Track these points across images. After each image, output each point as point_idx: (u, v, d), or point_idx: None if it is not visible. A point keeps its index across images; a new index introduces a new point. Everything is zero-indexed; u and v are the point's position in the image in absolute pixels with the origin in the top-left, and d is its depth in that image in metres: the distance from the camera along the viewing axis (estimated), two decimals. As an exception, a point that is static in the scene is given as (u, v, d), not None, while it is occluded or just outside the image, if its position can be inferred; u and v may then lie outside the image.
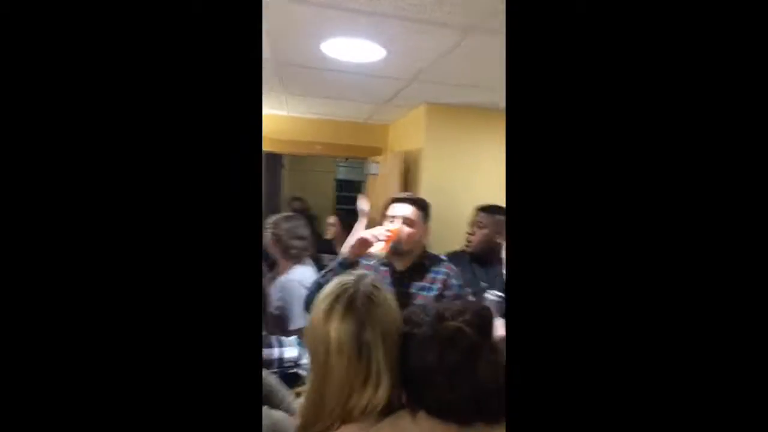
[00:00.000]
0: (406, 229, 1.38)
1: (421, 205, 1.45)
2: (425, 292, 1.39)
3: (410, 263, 1.43)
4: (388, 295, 0.77)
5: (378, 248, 1.30)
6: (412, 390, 0.70)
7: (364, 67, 2.05)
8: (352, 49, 1.85)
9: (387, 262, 1.42)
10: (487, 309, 0.72)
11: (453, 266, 1.48)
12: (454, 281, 1.42)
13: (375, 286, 0.77)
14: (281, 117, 3.28)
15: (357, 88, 2.45)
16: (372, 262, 1.41)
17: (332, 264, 1.36)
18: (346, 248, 1.34)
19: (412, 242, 1.40)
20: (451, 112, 2.67)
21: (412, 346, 0.70)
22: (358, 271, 0.82)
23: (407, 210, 1.41)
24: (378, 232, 1.31)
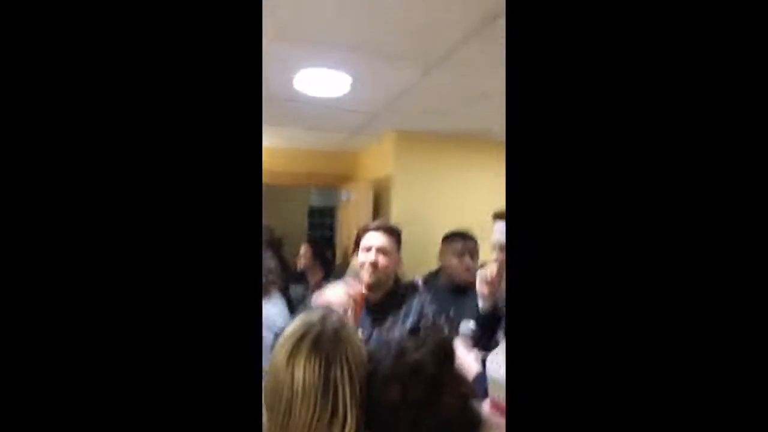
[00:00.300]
0: (382, 260, 1.37)
1: (394, 233, 1.45)
2: (401, 323, 1.37)
3: (384, 293, 1.41)
4: (354, 331, 0.75)
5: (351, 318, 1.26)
6: (377, 428, 0.68)
7: (333, 100, 2.09)
8: (321, 82, 1.88)
9: None
10: (449, 340, 0.71)
11: (428, 294, 1.47)
12: (428, 310, 1.41)
13: (341, 323, 0.75)
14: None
15: (326, 119, 2.48)
16: None
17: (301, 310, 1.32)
18: (315, 303, 1.30)
19: (388, 273, 1.39)
20: (420, 139, 2.72)
21: (375, 383, 0.68)
22: (321, 310, 0.80)
23: (381, 240, 1.40)
24: (345, 300, 1.22)
